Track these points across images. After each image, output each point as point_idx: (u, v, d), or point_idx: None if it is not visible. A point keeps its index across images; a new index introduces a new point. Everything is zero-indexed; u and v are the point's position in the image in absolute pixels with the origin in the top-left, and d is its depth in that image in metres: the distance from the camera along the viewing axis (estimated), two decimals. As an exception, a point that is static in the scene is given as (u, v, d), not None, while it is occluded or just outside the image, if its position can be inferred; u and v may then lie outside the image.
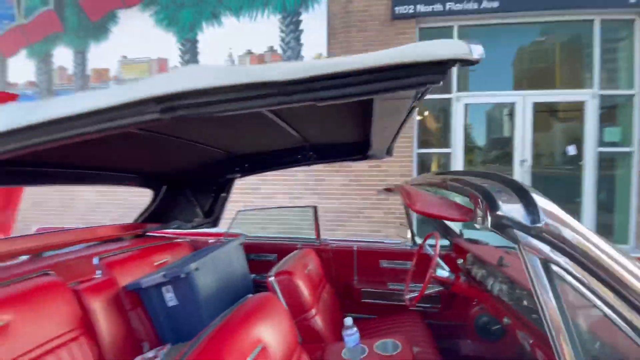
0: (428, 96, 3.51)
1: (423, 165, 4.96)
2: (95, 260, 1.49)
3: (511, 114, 4.64)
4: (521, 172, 4.53)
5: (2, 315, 1.00)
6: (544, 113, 4.75)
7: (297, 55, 4.82)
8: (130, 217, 2.35)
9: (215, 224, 2.35)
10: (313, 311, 1.57)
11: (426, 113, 5.01)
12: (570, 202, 4.53)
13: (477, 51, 0.61)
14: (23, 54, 5.56)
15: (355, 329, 1.29)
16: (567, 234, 0.58)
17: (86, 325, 1.23)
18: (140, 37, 5.19)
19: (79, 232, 1.87)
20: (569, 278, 0.58)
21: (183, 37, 5.09)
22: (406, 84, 0.65)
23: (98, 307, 1.30)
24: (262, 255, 2.33)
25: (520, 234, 0.60)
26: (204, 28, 5.03)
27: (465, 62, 0.61)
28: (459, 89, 4.76)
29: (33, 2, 5.47)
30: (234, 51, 4.97)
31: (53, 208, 5.57)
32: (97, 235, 1.92)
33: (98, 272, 1.47)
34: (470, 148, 4.92)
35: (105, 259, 1.52)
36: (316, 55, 4.76)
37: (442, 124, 4.88)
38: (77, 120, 0.71)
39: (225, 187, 2.30)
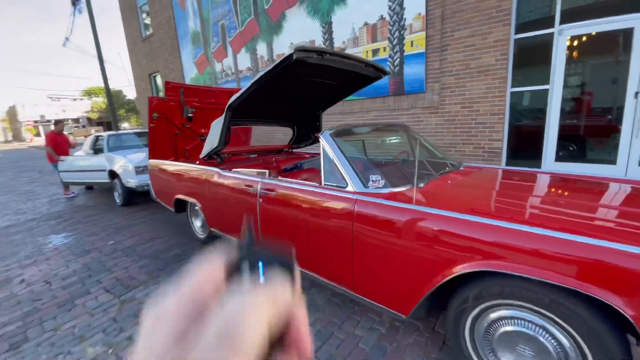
0: (527, 33, 4.66)
1: (521, 102, 5.25)
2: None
3: (627, 40, 4.18)
4: (635, 105, 4.23)
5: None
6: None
7: (400, 19, 5.93)
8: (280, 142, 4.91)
9: (316, 141, 4.56)
10: None
11: (523, 51, 5.09)
12: None
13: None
14: (243, 51, 9.20)
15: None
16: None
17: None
18: (298, 26, 7.60)
19: (265, 147, 4.53)
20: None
21: (323, 21, 7.11)
22: None
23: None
24: None
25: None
26: (336, 11, 6.84)
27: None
28: (562, 21, 4.61)
29: (244, 15, 8.81)
30: (355, 25, 6.59)
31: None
32: (271, 148, 4.54)
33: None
34: (570, 83, 4.77)
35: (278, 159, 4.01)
36: (416, 15, 5.72)
37: (541, 60, 4.90)
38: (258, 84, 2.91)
39: (318, 120, 4.40)
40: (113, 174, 6.15)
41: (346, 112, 7.25)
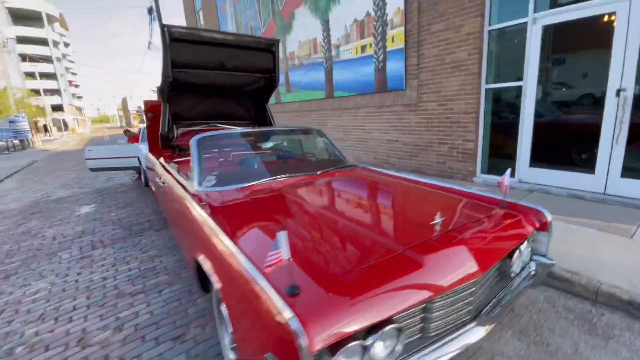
0: (500, 24, 4.49)
1: (497, 100, 4.78)
2: None
3: (607, 27, 3.53)
4: (616, 105, 3.59)
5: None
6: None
7: (383, 14, 5.82)
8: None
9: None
10: None
11: (498, 44, 4.59)
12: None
13: None
14: (265, 49, 9.88)
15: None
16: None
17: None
18: (304, 25, 7.92)
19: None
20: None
21: (323, 19, 7.30)
22: None
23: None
24: None
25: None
26: (332, 8, 6.97)
27: None
28: (537, 9, 4.07)
29: (265, 16, 9.44)
30: (347, 22, 6.65)
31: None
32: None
33: None
34: (545, 79, 4.17)
35: None
36: (396, 10, 5.56)
37: (516, 54, 4.37)
38: None
39: (266, 113, 4.71)
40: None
41: (341, 109, 7.37)
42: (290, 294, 1.10)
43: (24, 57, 44.68)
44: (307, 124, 8.84)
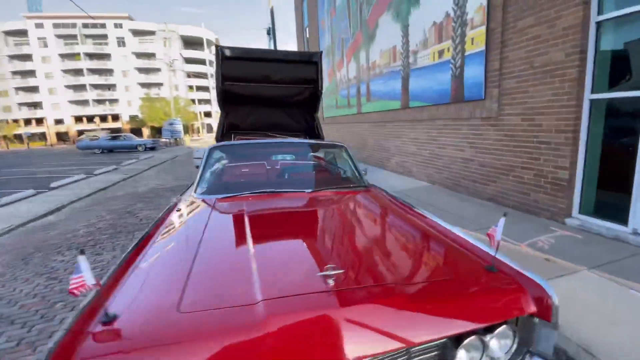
0: (619, 11, 3.29)
1: (607, 115, 3.45)
2: None
3: None
4: None
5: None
6: None
7: (463, 13, 4.99)
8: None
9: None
10: None
11: (611, 38, 3.26)
12: None
13: None
14: (352, 60, 9.86)
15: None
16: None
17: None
18: (385, 33, 7.54)
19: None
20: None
21: (404, 25, 6.79)
22: None
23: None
24: None
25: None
26: (412, 13, 6.41)
27: None
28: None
29: (354, 28, 9.43)
30: (425, 26, 5.99)
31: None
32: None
33: None
34: None
35: None
36: (477, 7, 4.69)
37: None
38: None
39: (314, 123, 4.73)
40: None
41: (416, 120, 6.69)
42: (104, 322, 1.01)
43: (187, 74, 57.32)
44: (382, 136, 8.39)
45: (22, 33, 51.13)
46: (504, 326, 1.22)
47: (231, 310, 1.09)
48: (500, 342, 1.24)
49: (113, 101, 55.81)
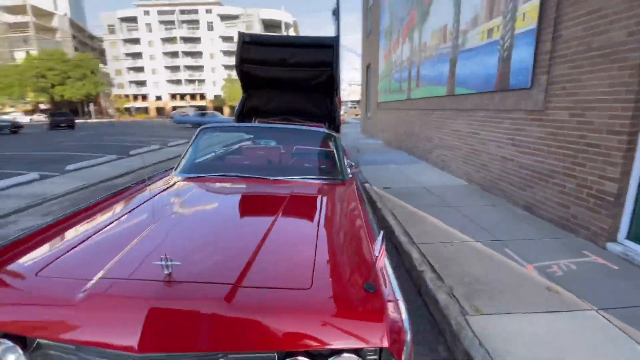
0: None
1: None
2: None
3: None
4: None
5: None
6: None
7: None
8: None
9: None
10: None
11: None
12: None
13: None
14: (407, 41, 9.12)
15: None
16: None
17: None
18: (437, 11, 6.75)
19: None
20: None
21: (456, 2, 5.98)
22: None
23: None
24: None
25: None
26: (465, -15, 5.58)
27: None
28: None
29: (409, 6, 8.64)
30: (477, 1, 5.18)
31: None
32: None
33: None
34: None
35: None
36: (533, -26, 3.85)
37: None
38: None
39: (333, 111, 4.65)
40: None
41: (459, 109, 5.96)
42: None
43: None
44: (427, 125, 7.70)
45: (133, 19, 59.34)
46: (348, 354, 1.06)
47: (70, 282, 1.18)
48: None
49: (201, 81, 61.91)
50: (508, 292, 2.39)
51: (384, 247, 1.22)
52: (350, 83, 68.95)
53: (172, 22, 59.37)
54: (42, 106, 48.55)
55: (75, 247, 1.44)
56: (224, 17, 59.78)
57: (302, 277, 1.25)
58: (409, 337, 1.07)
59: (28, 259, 1.35)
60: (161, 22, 59.30)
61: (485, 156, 5.14)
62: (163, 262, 1.15)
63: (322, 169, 2.87)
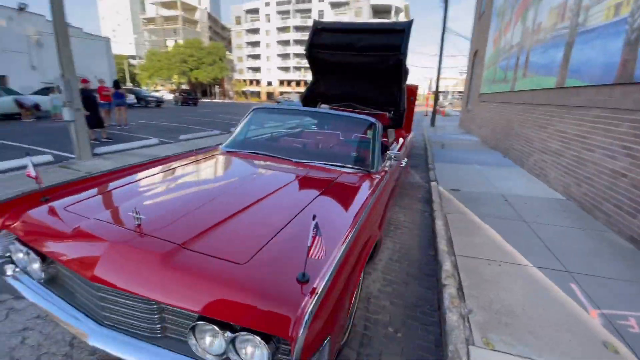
0: None
1: None
2: None
3: None
4: None
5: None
6: None
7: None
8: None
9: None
10: None
11: None
12: None
13: None
14: (519, 23, 7.70)
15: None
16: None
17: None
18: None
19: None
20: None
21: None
22: None
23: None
24: None
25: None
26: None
27: None
28: None
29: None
30: None
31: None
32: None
33: None
34: None
35: None
36: None
37: None
38: None
39: (398, 101, 4.41)
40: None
41: (568, 106, 4.82)
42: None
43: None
44: (529, 123, 6.49)
45: (255, 11, 65.74)
46: (255, 336, 1.09)
47: (76, 217, 1.56)
48: (255, 351, 1.13)
49: (307, 69, 65.15)
50: (543, 334, 1.92)
51: (318, 237, 1.15)
52: (461, 71, 62.23)
53: (287, 12, 63.55)
54: (183, 87, 59.09)
55: (104, 192, 1.87)
56: (334, 5, 60.85)
57: (244, 254, 1.30)
58: (300, 336, 1.00)
59: (71, 197, 1.77)
60: (278, 12, 64.09)
61: (591, 167, 4.07)
62: (134, 214, 1.41)
63: (348, 156, 2.82)
